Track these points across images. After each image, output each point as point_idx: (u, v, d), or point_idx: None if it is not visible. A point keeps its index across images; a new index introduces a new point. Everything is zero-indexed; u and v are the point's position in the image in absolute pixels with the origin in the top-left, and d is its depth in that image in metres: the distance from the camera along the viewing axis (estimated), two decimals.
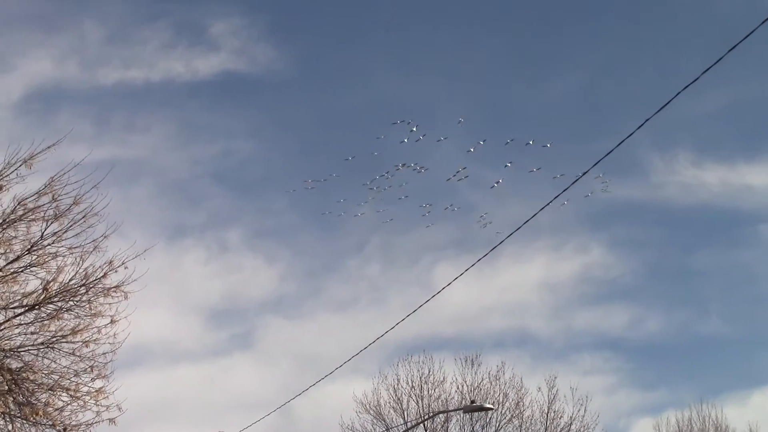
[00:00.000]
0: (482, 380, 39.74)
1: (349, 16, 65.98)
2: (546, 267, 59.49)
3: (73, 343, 17.19)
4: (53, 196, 16.98)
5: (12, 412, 16.60)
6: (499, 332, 56.69)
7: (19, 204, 16.71)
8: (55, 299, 16.99)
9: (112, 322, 17.40)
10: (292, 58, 64.63)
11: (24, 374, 16.80)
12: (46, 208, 16.98)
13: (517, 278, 57.97)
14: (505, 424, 39.00)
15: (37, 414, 16.53)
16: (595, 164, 16.91)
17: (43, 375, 17.06)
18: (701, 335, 61.79)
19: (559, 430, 39.47)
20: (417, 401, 39.44)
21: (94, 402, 17.20)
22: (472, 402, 33.19)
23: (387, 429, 39.20)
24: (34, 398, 16.94)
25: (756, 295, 63.81)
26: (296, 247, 63.19)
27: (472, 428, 38.79)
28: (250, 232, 64.69)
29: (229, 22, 62.70)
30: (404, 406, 39.46)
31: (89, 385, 17.33)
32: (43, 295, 16.84)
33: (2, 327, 16.68)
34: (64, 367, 17.23)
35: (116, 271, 17.37)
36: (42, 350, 17.04)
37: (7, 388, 16.49)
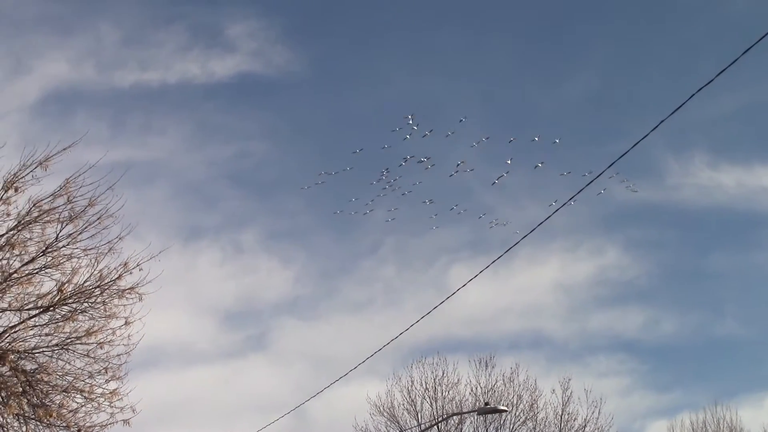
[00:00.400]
0: (496, 382, 39.67)
1: (364, 18, 66.07)
2: (561, 269, 59.41)
3: (88, 344, 17.23)
4: (68, 197, 17.02)
5: (26, 414, 16.66)
6: (514, 334, 56.53)
7: (34, 206, 16.74)
8: (70, 301, 17.00)
9: (126, 323, 17.45)
10: (308, 60, 64.63)
11: (38, 376, 16.83)
12: (61, 210, 17.02)
13: (531, 280, 57.88)
14: (519, 426, 38.92)
15: (51, 416, 16.59)
16: (610, 165, 16.97)
17: (58, 377, 17.11)
18: (716, 337, 61.53)
19: None
20: (431, 403, 39.42)
21: (109, 404, 17.26)
22: (486, 404, 33.14)
23: (401, 431, 39.16)
24: (48, 400, 16.99)
25: None
26: (311, 249, 63.24)
27: (486, 430, 38.72)
28: (265, 233, 64.81)
29: (246, 24, 62.90)
30: (418, 408, 39.46)
31: (103, 386, 17.40)
32: (58, 297, 16.84)
33: (17, 328, 16.71)
34: (79, 368, 17.28)
35: (131, 273, 17.42)
36: (56, 352, 17.07)
37: (21, 389, 16.53)
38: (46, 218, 16.86)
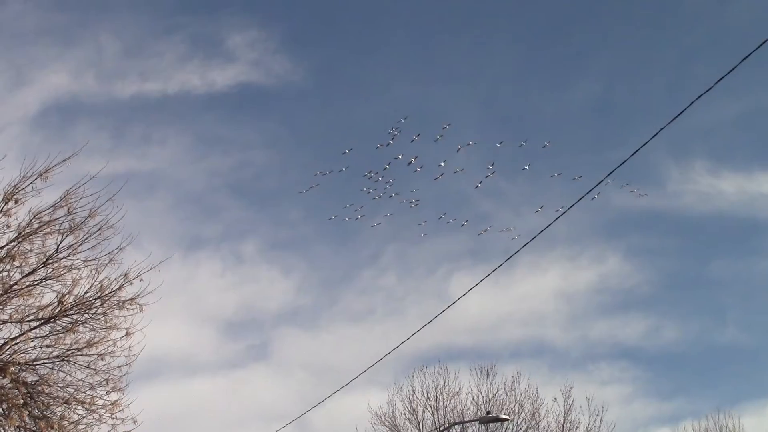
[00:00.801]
0: (498, 391, 39.62)
1: (363, 26, 66.24)
2: (562, 277, 59.40)
3: (89, 356, 17.17)
4: (68, 209, 17.02)
5: (27, 426, 16.57)
6: (516, 342, 56.47)
7: (34, 217, 16.75)
8: (71, 312, 16.98)
9: (127, 334, 17.38)
10: (308, 69, 64.70)
11: (39, 387, 16.78)
12: (61, 221, 17.03)
13: (533, 288, 57.84)
14: None
15: (52, 427, 16.50)
16: (611, 173, 17.06)
17: (59, 388, 17.05)
18: (718, 344, 61.48)
19: None
20: (432, 412, 39.37)
21: (110, 415, 17.17)
22: (488, 413, 33.10)
23: None
24: (49, 411, 16.94)
25: None
26: (312, 258, 63.20)
27: None
28: (265, 243, 64.73)
29: (246, 34, 63.00)
30: (420, 418, 39.41)
31: (104, 398, 17.32)
32: (59, 308, 16.83)
33: (18, 340, 16.67)
34: (80, 380, 17.24)
35: (131, 284, 17.41)
36: (57, 363, 17.02)
37: (22, 401, 16.47)
38: (46, 230, 16.86)
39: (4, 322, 16.66)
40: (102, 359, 17.27)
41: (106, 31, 62.08)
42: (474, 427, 38.52)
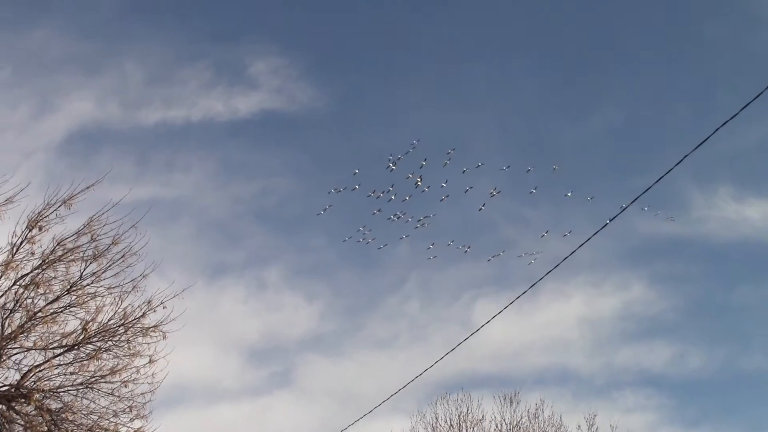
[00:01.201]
0: (521, 418, 39.21)
1: (386, 53, 66.22)
2: (586, 303, 58.96)
3: (112, 383, 17.19)
4: (92, 236, 17.14)
5: None
6: (539, 369, 55.91)
7: (58, 244, 16.83)
8: (94, 339, 17.04)
9: (150, 361, 17.39)
10: (331, 97, 64.69)
11: (63, 415, 16.74)
12: (85, 249, 17.16)
13: (557, 315, 57.40)
14: None
15: None
16: (635, 200, 16.93)
17: (83, 416, 17.01)
18: (744, 371, 60.58)
19: None
20: None
21: None
22: None
23: None
24: None
25: None
26: (336, 285, 62.72)
27: None
28: (289, 270, 64.39)
29: (269, 61, 63.11)
30: None
31: (128, 425, 17.31)
32: (83, 336, 16.88)
33: (42, 368, 16.71)
34: (103, 407, 17.21)
35: (155, 311, 17.48)
36: (81, 391, 17.02)
37: (46, 429, 16.46)
38: (70, 257, 16.95)
39: (29, 349, 16.71)
40: (125, 386, 17.28)
41: (131, 59, 62.55)
42: None
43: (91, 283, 17.14)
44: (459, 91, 63.15)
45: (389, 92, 65.67)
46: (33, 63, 56.12)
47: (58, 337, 16.83)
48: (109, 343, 17.20)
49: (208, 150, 64.31)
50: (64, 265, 16.91)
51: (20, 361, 16.81)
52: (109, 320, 17.13)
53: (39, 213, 16.77)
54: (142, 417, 17.47)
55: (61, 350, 16.85)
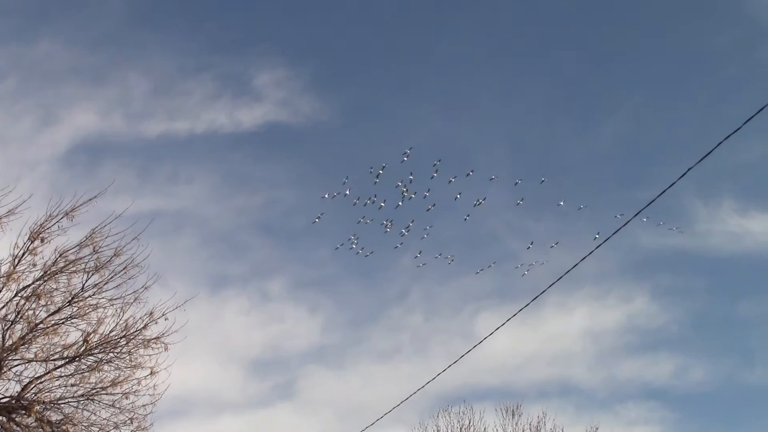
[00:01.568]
0: (523, 431, 39.13)
1: (392, 65, 66.07)
2: (589, 316, 58.81)
3: (113, 395, 17.16)
4: (94, 247, 17.04)
5: None
6: (542, 382, 55.64)
7: (60, 256, 16.75)
8: (96, 351, 16.98)
9: (152, 373, 17.35)
10: (336, 109, 64.43)
11: (64, 427, 16.71)
12: (87, 260, 17.07)
13: (560, 328, 57.22)
14: None
15: None
16: (638, 213, 16.77)
17: (83, 428, 16.99)
18: (748, 384, 60.21)
19: None
20: None
21: None
22: None
23: None
24: None
25: None
26: (339, 297, 62.40)
27: None
28: (292, 282, 64.10)
29: (273, 73, 63.03)
30: None
31: None
32: (84, 347, 16.80)
33: (43, 379, 16.66)
34: (104, 419, 17.22)
35: (157, 323, 17.41)
36: (82, 402, 17.00)
37: None
38: (72, 268, 16.87)
39: (29, 360, 16.63)
40: (127, 398, 17.28)
41: (135, 71, 62.52)
42: None
43: (93, 295, 17.09)
44: (465, 102, 63.08)
45: (394, 104, 65.56)
46: (37, 74, 56.20)
47: (59, 349, 16.77)
48: (111, 354, 17.15)
49: (212, 162, 64.25)
50: (65, 277, 16.85)
51: (21, 372, 16.80)
52: (110, 332, 17.06)
53: (41, 224, 16.72)
54: (144, 429, 17.50)
55: (62, 362, 16.79)
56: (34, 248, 16.60)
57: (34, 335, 16.53)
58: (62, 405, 16.90)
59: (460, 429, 39.17)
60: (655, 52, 64.76)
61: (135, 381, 17.33)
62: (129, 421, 17.34)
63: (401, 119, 63.23)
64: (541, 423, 39.06)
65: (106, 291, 17.21)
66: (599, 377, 57.11)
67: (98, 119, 57.79)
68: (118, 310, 17.19)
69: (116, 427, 17.24)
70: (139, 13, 64.96)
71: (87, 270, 17.02)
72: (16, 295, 16.46)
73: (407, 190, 34.47)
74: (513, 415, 39.34)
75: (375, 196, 34.52)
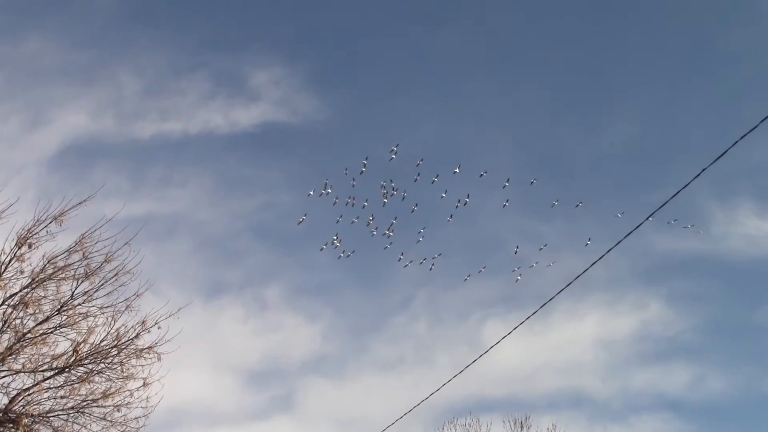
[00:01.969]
0: None
1: (392, 64, 65.14)
2: (601, 324, 57.82)
3: (104, 407, 16.71)
4: (84, 253, 16.63)
5: None
6: (552, 392, 54.55)
7: (48, 262, 16.33)
8: (86, 361, 16.54)
9: (144, 384, 16.95)
10: (334, 108, 63.40)
11: None
12: (76, 267, 16.63)
13: (570, 336, 56.29)
14: None
15: None
16: (651, 215, 16.41)
17: None
18: (767, 394, 59.38)
19: None
20: None
21: None
22: None
23: None
24: None
25: None
26: (339, 305, 61.09)
27: None
28: (290, 288, 62.87)
29: (270, 72, 62.13)
30: None
31: None
32: (74, 358, 16.39)
33: (31, 391, 16.20)
34: None
35: (149, 332, 16.96)
36: (72, 415, 16.51)
37: None
38: (60, 275, 16.46)
39: (17, 372, 16.19)
40: (118, 410, 16.85)
41: (127, 70, 61.73)
42: None
43: (83, 303, 16.59)
44: (467, 104, 62.22)
45: (394, 104, 64.62)
46: (25, 74, 55.41)
47: (48, 360, 16.38)
48: (102, 365, 16.68)
49: (207, 164, 63.42)
50: (54, 284, 16.45)
51: (8, 384, 16.34)
52: (101, 341, 16.58)
53: (29, 229, 16.32)
54: None
55: (51, 373, 16.37)
56: (22, 254, 16.20)
57: (21, 345, 16.10)
58: (51, 418, 16.40)
59: None
60: (666, 50, 63.98)
61: (127, 393, 16.92)
62: None
63: (401, 119, 62.30)
64: None
65: (96, 299, 16.76)
66: (612, 387, 56.10)
67: (89, 120, 57.03)
68: (109, 319, 16.74)
69: None
70: (130, 10, 64.19)
71: (76, 277, 16.58)
72: (2, 303, 16.06)
73: (387, 193, 34.13)
74: (522, 427, 38.76)
75: (353, 198, 34.26)
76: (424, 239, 36.62)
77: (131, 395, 16.87)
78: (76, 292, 16.52)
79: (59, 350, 16.48)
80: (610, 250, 16.97)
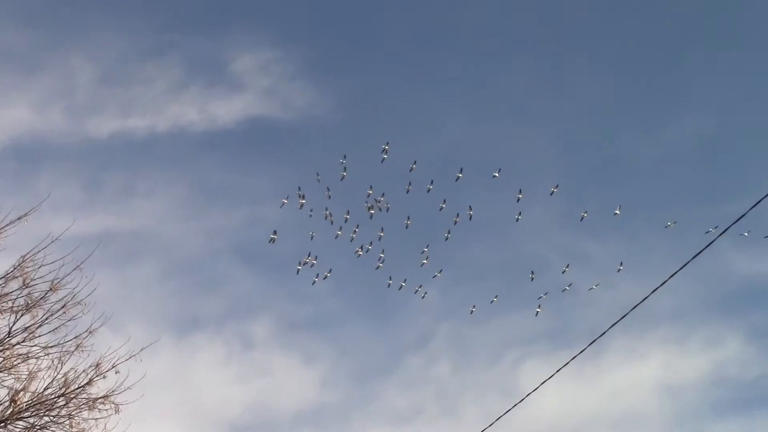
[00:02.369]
0: None
1: (408, 49, 59.79)
2: (665, 365, 53.64)
3: None
4: (24, 280, 15.19)
5: None
6: None
7: None
8: (26, 414, 14.86)
9: None
10: (336, 100, 57.59)
11: None
12: (15, 297, 15.16)
13: (627, 380, 52.30)
14: None
15: None
16: (725, 230, 14.59)
17: None
18: None
19: None
20: None
21: None
22: None
23: None
24: None
25: None
26: (342, 342, 55.08)
27: None
28: (282, 323, 56.31)
29: (256, 55, 56.91)
30: None
31: None
32: (11, 409, 14.71)
33: None
34: None
35: (105, 377, 15.39)
36: None
37: None
38: None
39: None
40: None
41: (80, 54, 57.09)
42: None
43: (23, 341, 15.14)
44: (501, 97, 57.94)
45: (412, 96, 59.27)
46: None
47: None
48: (46, 418, 14.98)
49: (178, 169, 58.55)
50: None
51: None
52: (45, 389, 14.98)
53: None
54: None
55: None
56: None
57: None
58: None
59: None
60: (744, 33, 59.31)
61: None
62: None
63: (420, 115, 57.11)
64: None
65: (39, 336, 15.32)
66: None
67: (32, 114, 53.42)
68: (56, 362, 15.22)
69: None
70: None
71: (15, 309, 15.06)
72: None
73: (372, 207, 32.03)
74: None
75: (327, 209, 32.54)
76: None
77: None
78: (14, 327, 15.07)
79: None
80: (675, 273, 15.19)
